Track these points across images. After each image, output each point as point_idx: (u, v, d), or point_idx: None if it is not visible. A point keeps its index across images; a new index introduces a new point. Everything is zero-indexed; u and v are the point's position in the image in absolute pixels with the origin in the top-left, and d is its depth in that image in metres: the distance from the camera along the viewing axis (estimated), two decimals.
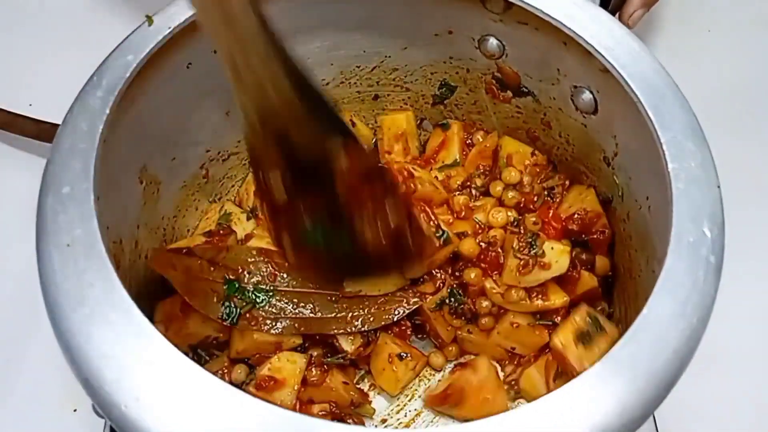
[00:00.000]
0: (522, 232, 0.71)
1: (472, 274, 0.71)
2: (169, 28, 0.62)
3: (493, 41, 0.72)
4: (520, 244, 0.68)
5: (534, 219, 0.72)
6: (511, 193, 0.75)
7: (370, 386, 0.75)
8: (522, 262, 0.67)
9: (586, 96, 0.69)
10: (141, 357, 0.46)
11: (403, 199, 0.66)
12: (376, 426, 0.72)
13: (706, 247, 0.52)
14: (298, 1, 0.70)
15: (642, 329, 0.49)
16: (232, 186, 0.83)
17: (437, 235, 0.69)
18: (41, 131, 0.90)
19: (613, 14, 0.72)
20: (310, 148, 0.60)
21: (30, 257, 0.52)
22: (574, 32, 0.63)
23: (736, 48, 1.05)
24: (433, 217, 0.70)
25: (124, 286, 0.49)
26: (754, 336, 0.83)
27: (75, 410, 0.78)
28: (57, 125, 0.57)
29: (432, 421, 0.73)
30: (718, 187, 0.55)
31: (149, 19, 0.62)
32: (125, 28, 0.62)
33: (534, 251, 0.67)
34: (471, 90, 0.80)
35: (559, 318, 0.70)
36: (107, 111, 0.57)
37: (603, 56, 0.62)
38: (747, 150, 0.95)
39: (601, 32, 0.63)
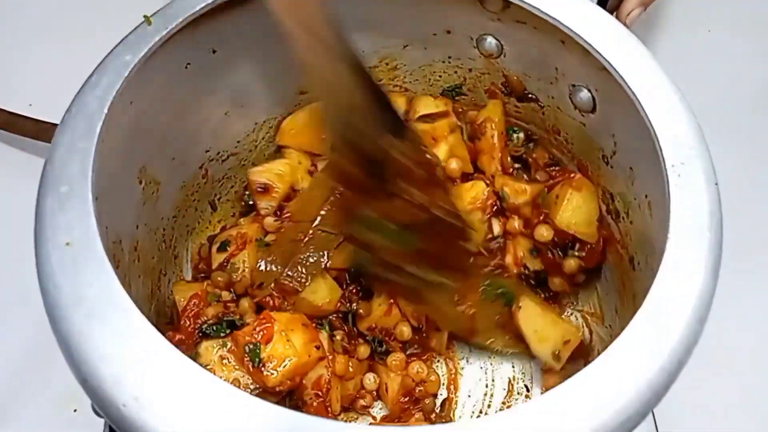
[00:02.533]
0: None
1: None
2: (168, 28, 0.62)
3: (491, 40, 0.73)
4: None
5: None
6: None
7: None
8: None
9: (585, 95, 0.69)
10: (140, 356, 0.46)
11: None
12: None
13: (705, 245, 0.52)
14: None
15: (640, 327, 0.49)
16: (231, 186, 0.83)
17: None
18: (41, 131, 0.90)
19: (611, 13, 0.72)
20: (373, 140, 0.65)
21: (29, 257, 0.52)
22: (573, 31, 0.63)
23: (736, 48, 1.05)
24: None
25: (124, 286, 0.49)
26: (753, 334, 0.83)
27: (75, 410, 0.78)
28: (57, 125, 0.57)
29: None
30: (716, 184, 0.55)
31: (148, 20, 0.62)
32: (125, 30, 0.62)
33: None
34: (470, 90, 0.80)
35: None
36: (105, 111, 0.57)
37: (601, 55, 0.62)
38: (746, 150, 0.95)
39: (599, 31, 0.63)
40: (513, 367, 0.77)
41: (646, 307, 0.49)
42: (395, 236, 0.68)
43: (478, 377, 0.76)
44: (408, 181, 0.66)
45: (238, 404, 0.45)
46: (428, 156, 0.70)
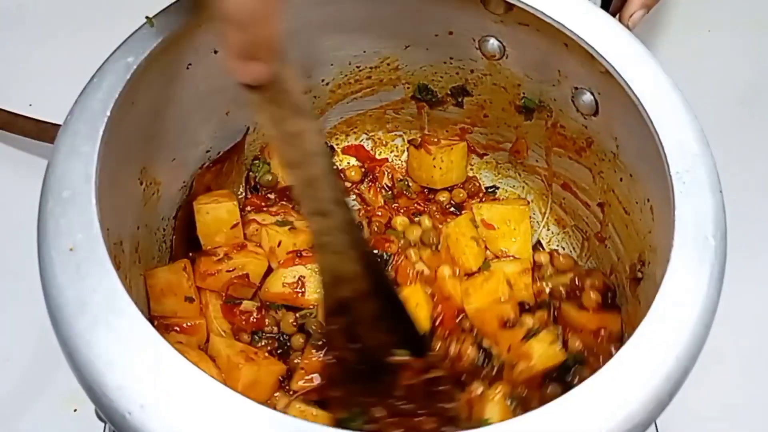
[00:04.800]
0: None
1: None
2: (169, 29, 0.61)
3: (493, 42, 0.72)
4: None
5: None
6: None
7: None
8: None
9: (587, 97, 0.68)
10: (145, 363, 0.46)
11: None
12: None
13: (709, 251, 0.52)
14: (299, 1, 0.70)
15: (645, 335, 0.49)
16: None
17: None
18: (41, 131, 0.90)
19: (614, 15, 0.72)
20: (372, 337, 0.62)
21: (31, 260, 0.52)
22: (575, 33, 0.63)
23: (736, 48, 1.05)
24: None
25: (126, 289, 0.49)
26: (756, 339, 0.83)
27: (75, 410, 0.78)
28: (57, 125, 0.57)
29: None
30: (721, 191, 0.55)
31: (149, 21, 0.62)
32: (125, 29, 0.61)
33: None
34: (474, 87, 0.80)
35: None
36: (108, 113, 0.57)
37: (604, 58, 0.62)
38: (747, 150, 0.95)
39: (601, 34, 0.63)
40: None
41: (651, 314, 0.49)
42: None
43: None
44: (406, 395, 0.62)
45: (244, 412, 0.45)
46: (443, 388, 0.64)
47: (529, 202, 0.84)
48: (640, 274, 0.66)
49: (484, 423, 0.59)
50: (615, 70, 0.61)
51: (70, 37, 1.02)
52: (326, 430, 0.45)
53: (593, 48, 0.63)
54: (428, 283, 0.75)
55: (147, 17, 0.62)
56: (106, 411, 0.45)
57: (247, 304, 0.73)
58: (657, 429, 0.70)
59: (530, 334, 0.70)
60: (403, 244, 0.78)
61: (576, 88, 0.69)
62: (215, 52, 0.68)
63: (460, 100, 0.81)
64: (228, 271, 0.72)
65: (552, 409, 0.45)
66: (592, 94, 0.68)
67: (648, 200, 0.63)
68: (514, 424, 0.45)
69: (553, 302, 0.75)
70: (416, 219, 0.81)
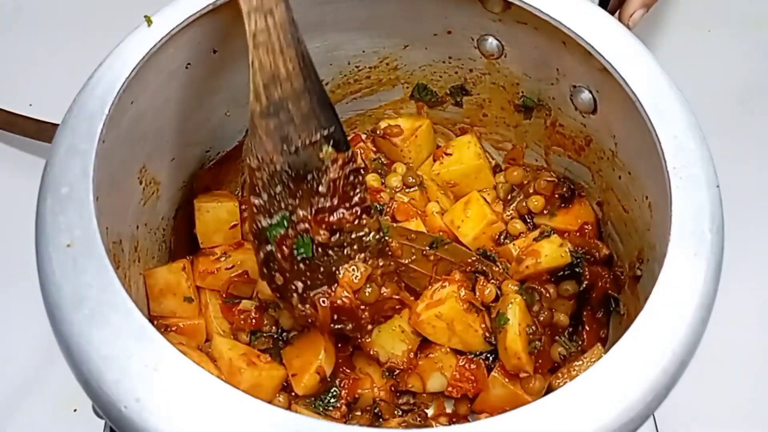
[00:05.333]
0: None
1: None
2: (168, 28, 0.62)
3: (492, 41, 0.73)
4: None
5: None
6: None
7: None
8: None
9: (586, 96, 0.69)
10: (141, 358, 0.46)
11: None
12: None
13: (706, 247, 0.52)
14: (298, 1, 0.70)
15: (642, 329, 0.49)
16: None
17: None
18: (41, 131, 0.90)
19: (612, 14, 0.72)
20: (303, 141, 0.63)
21: (29, 258, 0.52)
22: (574, 32, 0.63)
23: (736, 48, 1.05)
24: None
25: (124, 286, 0.49)
26: (754, 335, 0.83)
27: (75, 410, 0.79)
28: (57, 125, 0.57)
29: None
30: (718, 186, 0.55)
31: (148, 20, 0.62)
32: (125, 28, 0.62)
33: None
34: (473, 85, 0.80)
35: None
36: (106, 111, 0.57)
37: (602, 56, 0.62)
38: (746, 150, 0.95)
39: (600, 32, 0.63)
40: None
41: (648, 309, 0.49)
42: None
43: None
44: (329, 192, 0.65)
45: (239, 406, 0.45)
46: (360, 178, 0.67)
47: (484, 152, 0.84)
48: (639, 272, 0.66)
49: (504, 320, 0.67)
50: (613, 67, 0.61)
51: (70, 37, 1.03)
52: (324, 427, 0.45)
53: (591, 46, 0.63)
54: (422, 219, 0.77)
55: (146, 16, 0.62)
56: (102, 405, 0.45)
57: (245, 303, 0.73)
58: (656, 423, 0.70)
59: (542, 236, 0.74)
60: (390, 192, 0.79)
61: (574, 87, 0.69)
62: (214, 51, 0.69)
63: (459, 99, 0.81)
64: (227, 268, 0.72)
65: (550, 401, 0.46)
66: (591, 92, 0.68)
67: (646, 197, 0.63)
68: (512, 417, 0.45)
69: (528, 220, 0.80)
70: (393, 166, 0.83)
